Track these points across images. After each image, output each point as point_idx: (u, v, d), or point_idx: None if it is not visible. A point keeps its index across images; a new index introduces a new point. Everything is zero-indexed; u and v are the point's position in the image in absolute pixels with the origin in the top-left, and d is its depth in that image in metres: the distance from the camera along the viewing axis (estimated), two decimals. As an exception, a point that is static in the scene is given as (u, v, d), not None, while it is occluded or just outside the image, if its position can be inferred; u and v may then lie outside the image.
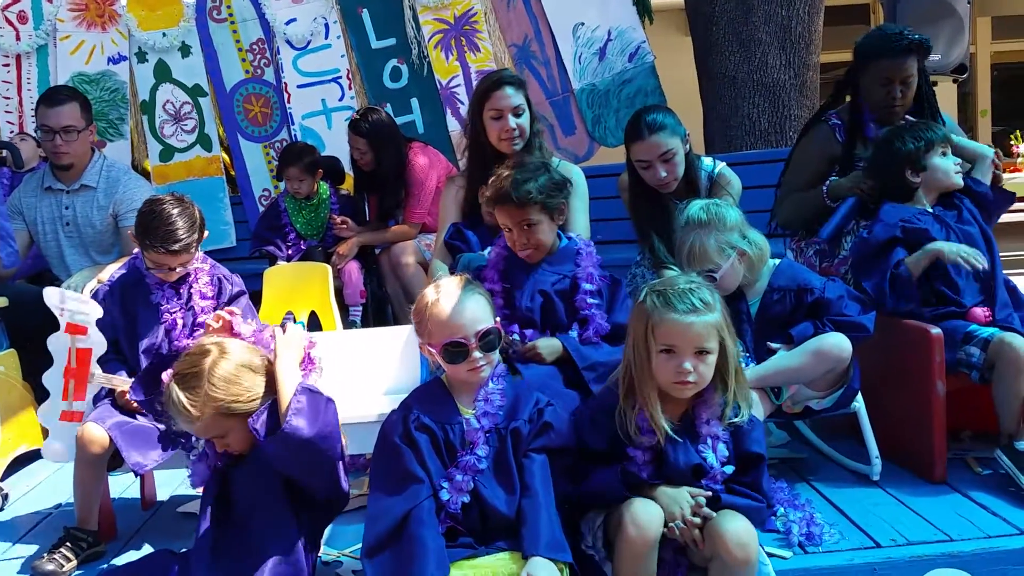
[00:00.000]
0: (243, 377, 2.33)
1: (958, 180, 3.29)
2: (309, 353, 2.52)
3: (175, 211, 2.97)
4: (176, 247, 2.96)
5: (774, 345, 2.86)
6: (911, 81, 3.52)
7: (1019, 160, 9.02)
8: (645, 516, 2.20)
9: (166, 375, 2.40)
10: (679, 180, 3.43)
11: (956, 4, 5.38)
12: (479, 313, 2.40)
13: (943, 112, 3.68)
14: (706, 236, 2.92)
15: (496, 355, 2.45)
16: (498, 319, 2.48)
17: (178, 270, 3.03)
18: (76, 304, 2.85)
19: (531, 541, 2.24)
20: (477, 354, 2.38)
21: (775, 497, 2.82)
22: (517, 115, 3.44)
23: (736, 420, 2.32)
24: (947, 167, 3.27)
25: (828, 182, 3.58)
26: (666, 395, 2.34)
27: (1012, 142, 9.41)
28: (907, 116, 3.61)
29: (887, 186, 3.33)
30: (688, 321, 2.23)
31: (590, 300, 2.90)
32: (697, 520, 2.21)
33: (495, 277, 3.02)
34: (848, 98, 3.75)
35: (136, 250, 3.06)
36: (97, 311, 2.88)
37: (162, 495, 3.39)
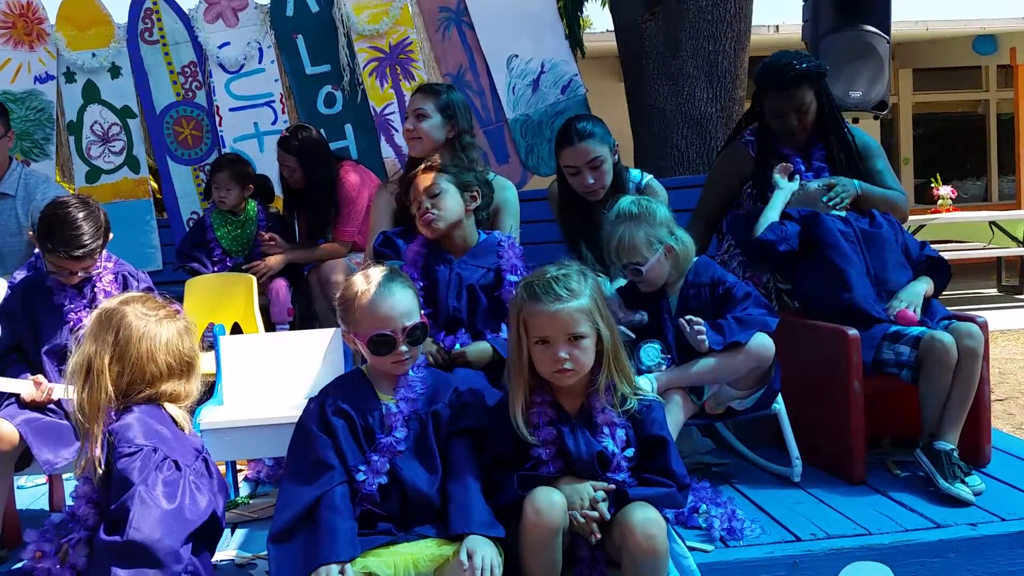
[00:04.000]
0: (156, 353, 2.20)
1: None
2: None
3: (80, 215, 2.89)
4: (79, 253, 2.88)
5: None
6: (806, 108, 3.53)
7: (940, 203, 9.33)
8: (545, 502, 2.18)
9: None
10: (606, 188, 3.46)
11: (876, 44, 5.56)
12: (407, 307, 2.40)
13: (859, 129, 3.74)
14: (636, 229, 2.95)
15: (420, 348, 2.45)
16: (423, 312, 2.48)
17: (79, 274, 2.95)
18: None
19: (463, 519, 2.22)
20: (403, 348, 2.37)
21: (698, 495, 2.84)
22: (420, 119, 3.48)
23: (628, 407, 2.32)
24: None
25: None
26: (561, 389, 2.35)
27: (933, 185, 9.74)
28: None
29: None
30: (554, 310, 2.25)
31: None
32: (594, 514, 2.21)
33: (414, 275, 2.99)
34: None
35: (37, 250, 2.98)
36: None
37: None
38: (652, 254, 2.93)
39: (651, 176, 3.65)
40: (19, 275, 3.07)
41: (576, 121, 3.48)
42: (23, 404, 2.82)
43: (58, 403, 2.86)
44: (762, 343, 2.86)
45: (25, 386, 2.83)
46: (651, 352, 2.91)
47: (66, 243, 2.86)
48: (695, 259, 3.03)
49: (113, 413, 2.17)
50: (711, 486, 2.94)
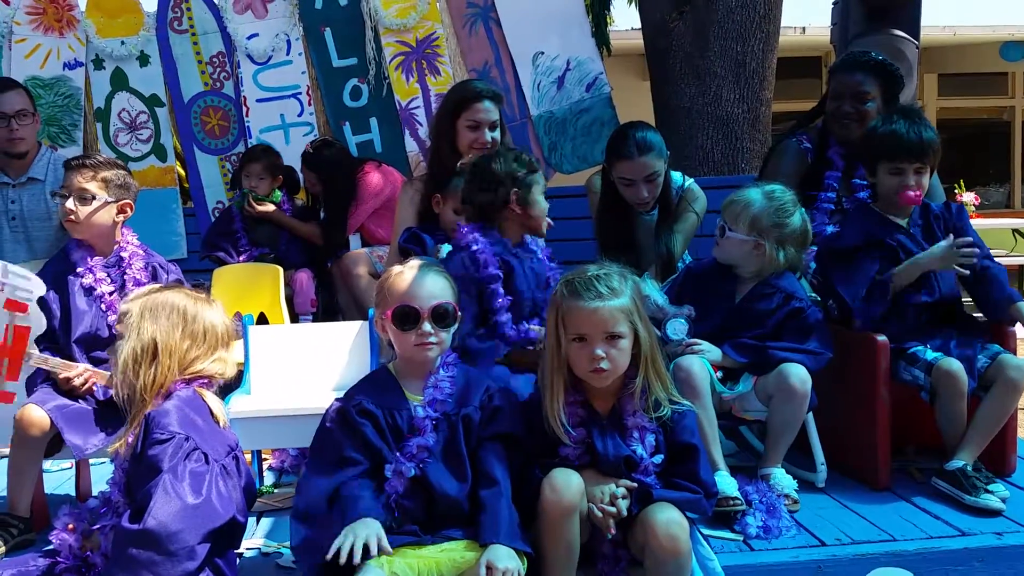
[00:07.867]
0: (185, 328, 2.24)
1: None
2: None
3: (100, 156, 3.06)
4: (83, 162, 2.97)
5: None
6: (866, 98, 3.48)
7: (963, 209, 9.27)
8: (562, 481, 2.19)
9: None
10: (656, 199, 3.44)
11: (906, 49, 5.52)
12: (437, 289, 2.38)
13: None
14: (760, 205, 2.94)
15: (448, 336, 2.40)
16: (457, 305, 2.43)
17: (77, 205, 2.94)
18: (19, 280, 2.77)
19: (491, 529, 2.19)
20: (427, 326, 2.33)
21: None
22: (492, 129, 3.47)
23: (660, 413, 2.31)
24: (889, 185, 3.16)
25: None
26: (593, 390, 2.35)
27: (956, 191, 9.69)
28: None
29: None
30: (594, 307, 2.25)
31: None
32: (611, 509, 2.21)
33: (495, 267, 2.90)
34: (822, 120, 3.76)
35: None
36: (40, 288, 2.81)
37: (97, 490, 3.28)
38: (742, 232, 2.94)
39: (692, 180, 3.62)
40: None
41: (634, 130, 3.38)
42: (59, 390, 2.85)
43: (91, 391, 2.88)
44: (798, 377, 2.85)
45: (76, 370, 2.85)
46: (677, 327, 2.97)
47: (79, 159, 3.02)
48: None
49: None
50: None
